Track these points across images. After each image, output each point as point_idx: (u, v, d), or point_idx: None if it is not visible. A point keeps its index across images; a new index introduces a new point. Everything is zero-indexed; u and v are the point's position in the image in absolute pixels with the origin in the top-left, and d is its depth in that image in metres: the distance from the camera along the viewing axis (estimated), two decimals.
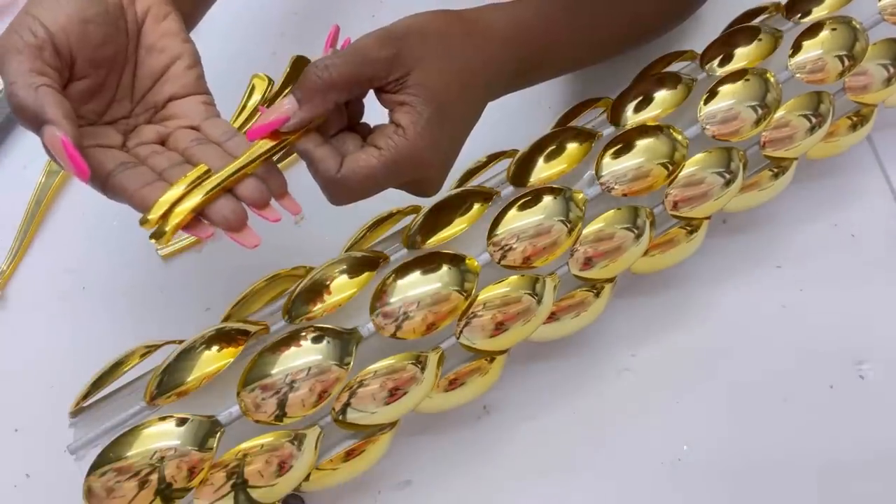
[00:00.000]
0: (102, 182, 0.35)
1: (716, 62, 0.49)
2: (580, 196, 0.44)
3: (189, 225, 0.34)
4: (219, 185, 0.35)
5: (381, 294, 0.40)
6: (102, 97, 0.37)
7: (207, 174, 0.35)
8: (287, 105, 0.36)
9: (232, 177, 0.35)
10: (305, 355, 0.38)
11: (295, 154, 0.54)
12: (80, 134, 0.33)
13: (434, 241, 0.42)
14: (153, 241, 0.34)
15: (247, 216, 0.35)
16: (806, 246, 0.54)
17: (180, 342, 0.40)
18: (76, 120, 0.33)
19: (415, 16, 0.39)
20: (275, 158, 0.54)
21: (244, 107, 0.56)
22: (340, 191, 0.37)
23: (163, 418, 0.37)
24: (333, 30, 0.39)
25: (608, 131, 0.47)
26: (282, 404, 0.37)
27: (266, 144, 0.36)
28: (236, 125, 0.56)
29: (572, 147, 0.45)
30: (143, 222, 0.34)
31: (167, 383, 0.37)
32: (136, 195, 0.34)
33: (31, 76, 0.32)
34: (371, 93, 0.39)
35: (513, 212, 0.43)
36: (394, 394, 0.40)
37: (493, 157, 0.49)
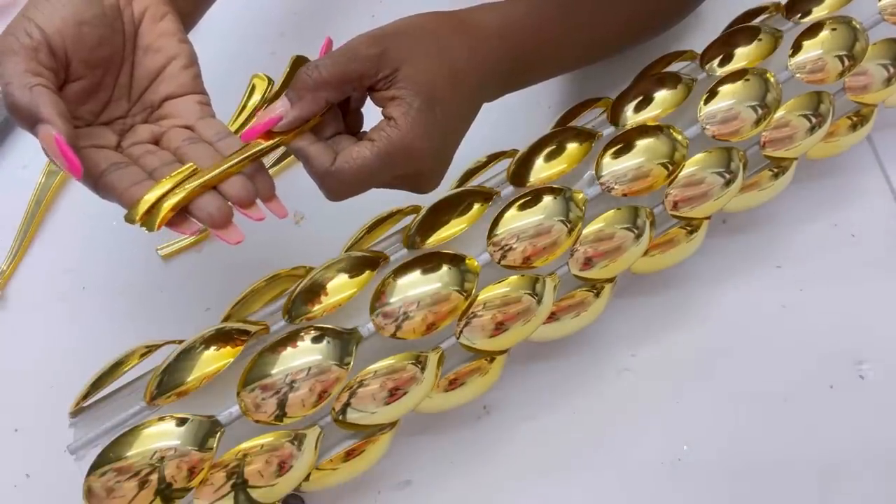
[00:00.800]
0: (94, 181, 0.35)
1: (716, 62, 0.49)
2: (580, 196, 0.44)
3: (174, 221, 0.35)
4: (201, 182, 0.35)
5: (381, 294, 0.40)
6: (99, 98, 0.37)
7: (194, 173, 0.35)
8: (280, 106, 0.37)
9: (218, 175, 0.35)
10: (305, 355, 0.38)
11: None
12: (74, 133, 0.34)
13: (434, 241, 0.42)
14: (143, 228, 0.34)
15: (231, 213, 0.36)
16: (806, 246, 0.54)
17: (180, 342, 0.40)
18: (70, 119, 0.34)
19: (407, 17, 0.39)
20: (272, 160, 0.54)
21: (244, 107, 0.56)
22: (335, 184, 0.37)
23: (163, 418, 0.37)
24: (326, 42, 0.39)
25: (608, 131, 0.47)
26: (282, 404, 0.37)
27: (258, 144, 0.36)
28: (237, 125, 0.56)
29: (572, 147, 0.45)
30: (128, 219, 0.35)
31: (167, 383, 0.37)
32: (124, 194, 0.35)
33: (26, 76, 0.33)
34: (371, 104, 0.39)
35: (513, 212, 0.43)
36: (394, 394, 0.40)
37: (493, 157, 0.49)
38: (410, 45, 0.38)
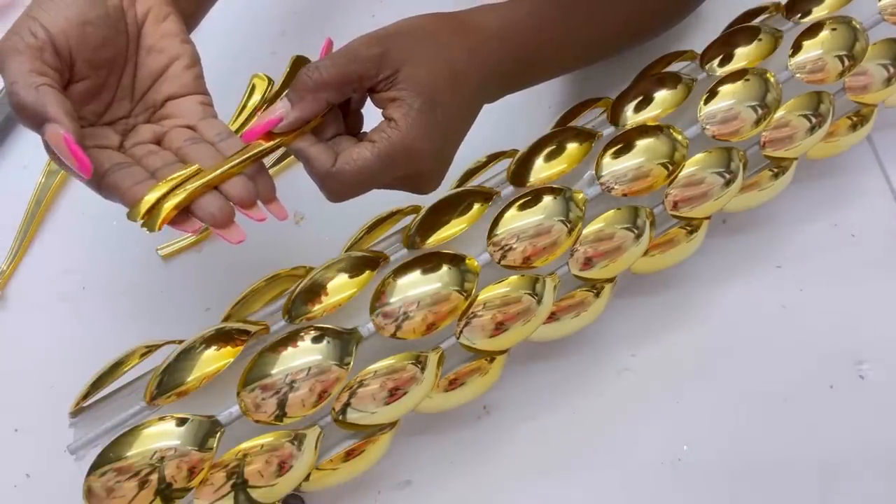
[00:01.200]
0: (98, 181, 0.35)
1: (716, 62, 0.49)
2: (580, 196, 0.44)
3: (176, 220, 0.35)
4: (203, 183, 0.35)
5: (381, 294, 0.40)
6: (102, 98, 0.37)
7: (197, 173, 0.35)
8: (280, 107, 0.37)
9: (219, 175, 0.36)
10: (305, 355, 0.38)
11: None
12: (81, 132, 0.34)
13: (434, 241, 0.42)
14: (144, 228, 0.35)
15: (233, 213, 0.36)
16: (806, 246, 0.54)
17: (180, 342, 0.40)
18: (77, 118, 0.34)
19: (407, 18, 0.40)
20: (272, 160, 0.54)
21: (244, 106, 0.56)
22: (336, 185, 0.37)
23: (163, 418, 0.37)
24: (327, 43, 0.39)
25: (608, 131, 0.47)
26: (282, 404, 0.37)
27: (259, 145, 0.37)
28: (237, 125, 0.56)
29: (572, 147, 0.45)
30: (130, 217, 0.35)
31: (167, 383, 0.37)
32: (127, 193, 0.35)
33: (31, 76, 0.33)
34: (371, 105, 0.39)
35: (513, 212, 0.43)
36: (394, 394, 0.40)
37: (493, 157, 0.49)
38: (411, 46, 0.38)
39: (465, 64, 0.39)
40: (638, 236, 0.45)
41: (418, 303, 0.40)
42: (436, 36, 0.39)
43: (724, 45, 0.50)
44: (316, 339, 0.39)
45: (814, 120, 0.49)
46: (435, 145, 0.38)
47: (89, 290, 0.52)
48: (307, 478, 0.40)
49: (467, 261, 0.42)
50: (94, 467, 0.36)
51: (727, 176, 0.46)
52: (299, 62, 0.57)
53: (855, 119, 0.52)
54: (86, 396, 0.40)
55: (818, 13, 0.51)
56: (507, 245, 0.42)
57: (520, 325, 0.42)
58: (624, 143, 0.45)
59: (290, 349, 0.38)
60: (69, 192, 0.55)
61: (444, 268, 0.41)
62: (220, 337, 0.39)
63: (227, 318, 0.43)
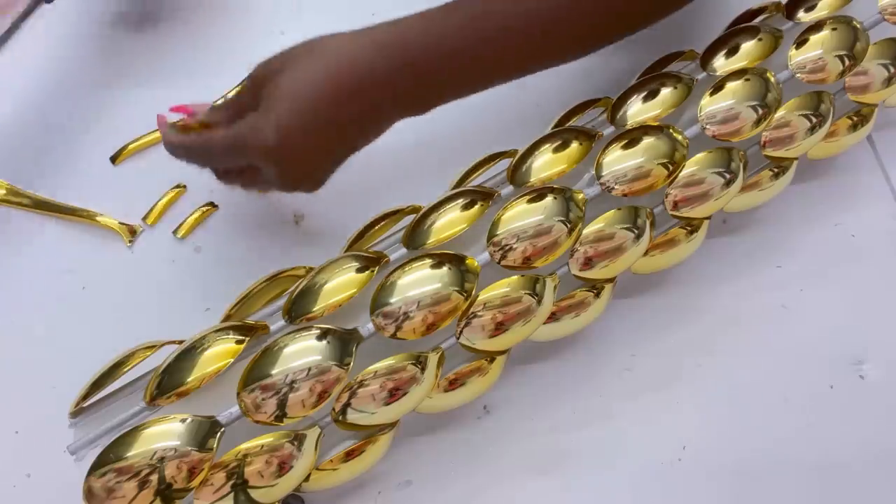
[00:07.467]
0: None
1: (716, 62, 0.49)
2: (580, 196, 0.44)
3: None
4: None
5: (380, 294, 0.40)
6: None
7: None
8: (200, 109, 0.45)
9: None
10: (305, 355, 0.38)
11: None
12: None
13: (434, 241, 0.42)
14: None
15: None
16: (806, 246, 0.54)
17: (180, 342, 0.40)
18: None
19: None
20: None
21: None
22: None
23: (163, 418, 0.37)
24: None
25: (608, 131, 0.47)
26: (282, 404, 0.37)
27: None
28: None
29: (572, 147, 0.45)
30: None
31: (167, 383, 0.37)
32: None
33: None
34: None
35: (513, 212, 0.43)
36: (394, 394, 0.40)
37: (493, 157, 0.49)
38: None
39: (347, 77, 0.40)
40: (638, 236, 0.45)
41: (418, 303, 0.40)
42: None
43: (724, 45, 0.50)
44: (316, 339, 0.39)
45: (814, 120, 0.49)
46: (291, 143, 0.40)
47: (89, 289, 0.52)
48: (307, 478, 0.40)
49: (467, 261, 0.42)
50: (94, 468, 0.36)
51: (727, 176, 0.46)
52: None
53: (855, 119, 0.52)
54: (86, 396, 0.40)
55: (818, 13, 0.51)
56: (507, 245, 0.42)
57: (520, 325, 0.42)
58: (624, 143, 0.45)
59: (290, 349, 0.38)
60: (68, 191, 0.54)
61: (444, 268, 0.41)
62: (220, 337, 0.39)
63: (227, 318, 0.43)
